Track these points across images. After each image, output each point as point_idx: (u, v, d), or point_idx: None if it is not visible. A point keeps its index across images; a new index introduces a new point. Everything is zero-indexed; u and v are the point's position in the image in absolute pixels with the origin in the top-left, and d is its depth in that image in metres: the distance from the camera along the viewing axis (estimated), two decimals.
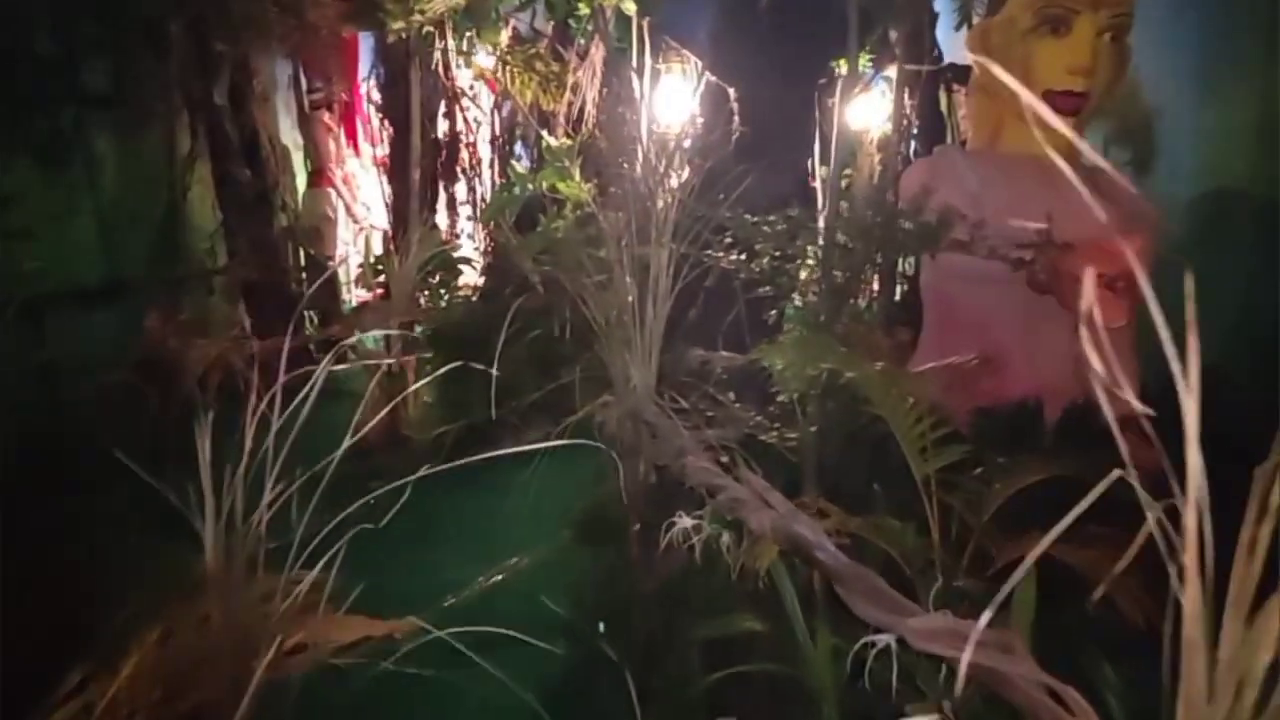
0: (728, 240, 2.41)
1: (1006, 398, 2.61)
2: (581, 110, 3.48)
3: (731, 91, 2.67)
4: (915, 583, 1.66)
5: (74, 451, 3.11)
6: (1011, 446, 2.25)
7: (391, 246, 4.98)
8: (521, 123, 5.53)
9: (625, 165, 2.69)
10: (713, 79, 2.82)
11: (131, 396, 2.75)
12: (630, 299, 2.27)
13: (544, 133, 2.71)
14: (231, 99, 5.73)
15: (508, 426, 4.82)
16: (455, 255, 4.62)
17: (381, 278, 4.57)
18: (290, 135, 7.52)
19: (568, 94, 3.63)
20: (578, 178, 2.73)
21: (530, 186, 2.72)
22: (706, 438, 2.01)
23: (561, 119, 3.62)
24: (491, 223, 3.85)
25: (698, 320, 2.61)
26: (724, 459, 2.03)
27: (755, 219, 2.35)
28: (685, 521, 1.93)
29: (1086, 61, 2.82)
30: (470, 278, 5.98)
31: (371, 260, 4.89)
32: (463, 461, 2.23)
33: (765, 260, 2.35)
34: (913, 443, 1.77)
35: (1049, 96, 2.82)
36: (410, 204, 4.43)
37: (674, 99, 3.27)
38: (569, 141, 2.74)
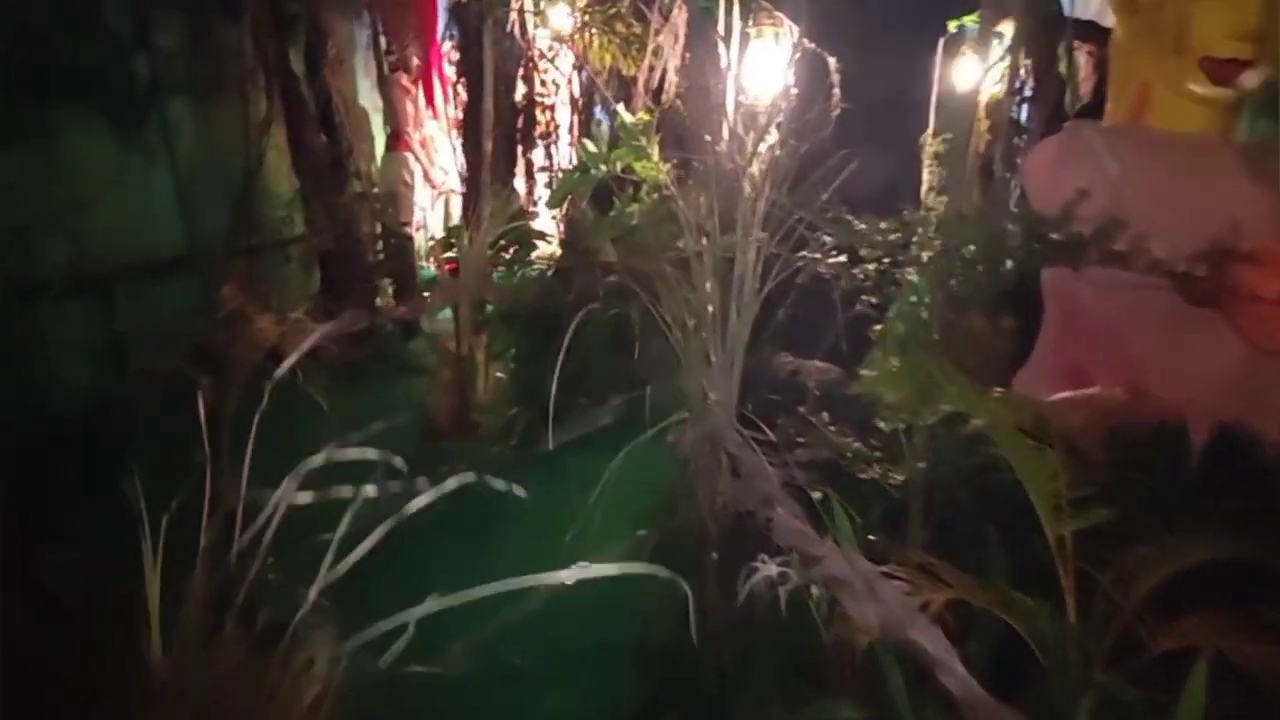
0: (825, 238, 2.11)
1: (1142, 416, 2.26)
2: (663, 79, 3.17)
3: (832, 62, 2.34)
4: (1049, 672, 1.38)
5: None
6: (1153, 478, 1.92)
7: (463, 219, 4.80)
8: (600, 87, 5.25)
9: (709, 143, 2.40)
10: (810, 46, 2.49)
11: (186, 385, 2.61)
12: (711, 306, 2.00)
13: (620, 108, 2.44)
14: (307, 62, 5.61)
15: (581, 410, 4.65)
16: (530, 228, 4.39)
17: (453, 252, 4.39)
18: (369, 98, 7.40)
19: (648, 59, 3.32)
20: (655, 157, 2.46)
21: (604, 167, 2.46)
22: (797, 478, 1.75)
23: (641, 87, 3.32)
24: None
25: (786, 322, 2.32)
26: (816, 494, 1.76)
27: (862, 223, 2.04)
28: (769, 568, 1.68)
29: (1255, 24, 2.39)
30: (545, 248, 5.78)
31: (447, 229, 4.71)
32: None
33: (871, 266, 2.04)
34: (1046, 498, 1.47)
35: (1208, 64, 2.41)
36: (482, 175, 4.21)
37: (765, 68, 2.94)
38: (646, 117, 2.46)
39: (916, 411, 1.50)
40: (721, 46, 2.72)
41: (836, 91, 2.26)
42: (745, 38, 2.72)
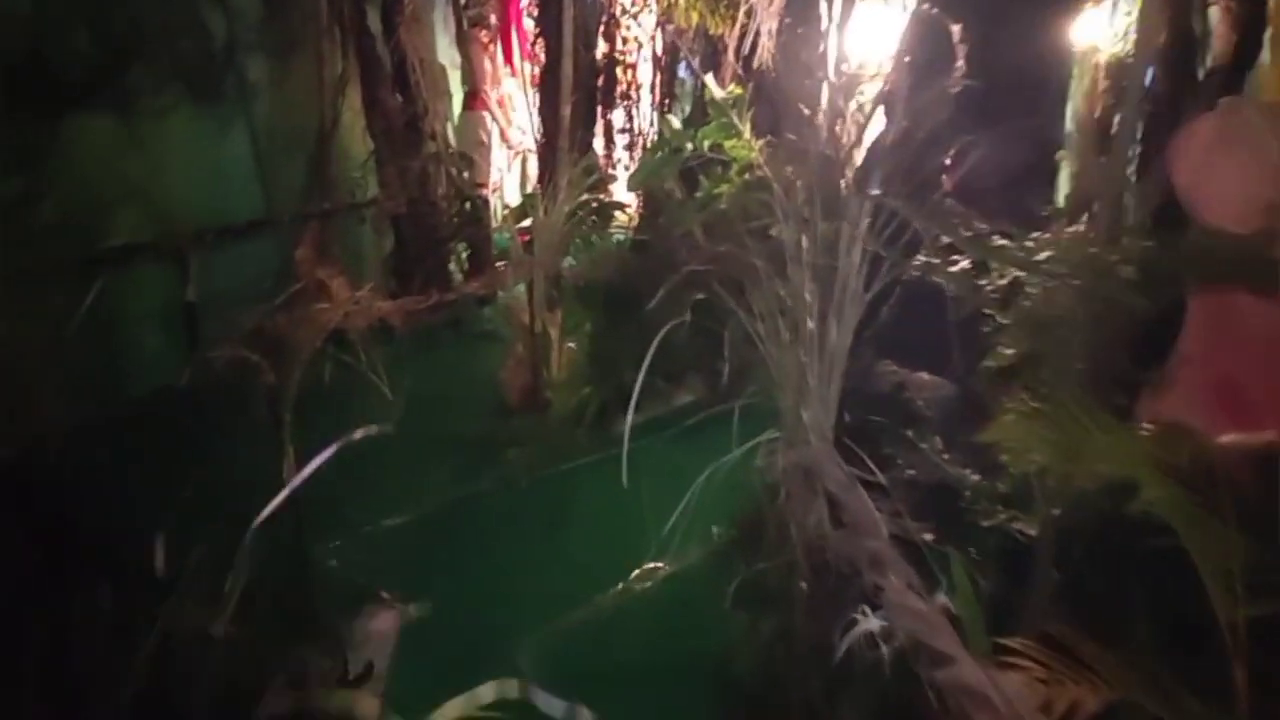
0: (943, 241, 1.84)
1: None
2: (755, 42, 2.89)
3: (956, 28, 2.04)
4: None
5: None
6: None
7: (539, 186, 4.61)
8: (685, 46, 4.96)
9: (807, 119, 2.14)
10: (928, 8, 2.18)
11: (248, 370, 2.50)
12: (807, 307, 1.77)
13: (709, 78, 2.19)
14: (383, 19, 5.45)
15: (659, 392, 4.46)
16: (608, 200, 4.19)
17: (528, 221, 4.21)
18: (447, 54, 7.23)
19: (740, 19, 3.03)
20: (747, 134, 2.21)
21: (690, 146, 2.23)
22: (909, 530, 1.53)
23: (730, 51, 3.04)
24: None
25: (890, 324, 2.05)
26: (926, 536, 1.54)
27: (995, 233, 1.76)
28: (870, 623, 1.47)
29: None
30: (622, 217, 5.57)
31: (523, 196, 4.53)
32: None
33: (1002, 280, 1.78)
34: (1219, 576, 1.22)
35: None
36: (560, 141, 4.00)
37: (873, 34, 2.62)
38: (738, 90, 2.21)
39: (1067, 476, 1.26)
40: (824, 6, 2.44)
41: (961, 64, 1.96)
42: None
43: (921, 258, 1.83)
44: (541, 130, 4.83)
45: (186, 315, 3.90)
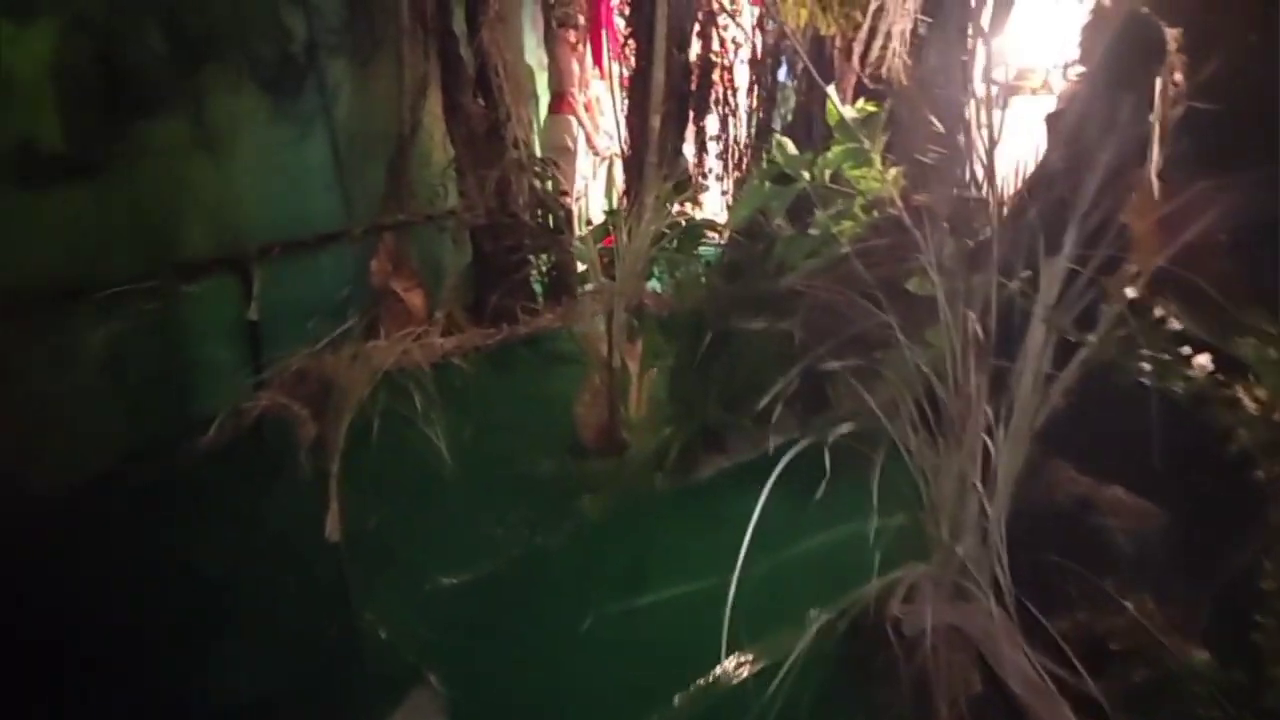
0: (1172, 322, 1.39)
1: None
2: (885, 47, 2.44)
3: (1170, 34, 1.57)
4: None
5: None
6: None
7: (622, 201, 4.25)
8: (789, 48, 4.52)
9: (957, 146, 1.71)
10: (1126, 5, 1.71)
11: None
12: (966, 412, 1.34)
13: (831, 91, 1.77)
14: (468, 19, 5.17)
15: (746, 434, 4.05)
16: (698, 221, 3.79)
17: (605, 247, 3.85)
18: (535, 55, 6.95)
19: (867, 20, 2.58)
20: (879, 164, 1.79)
21: (807, 175, 1.82)
22: None
23: (855, 59, 2.59)
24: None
25: (1067, 419, 1.59)
26: None
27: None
28: None
29: None
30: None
31: (606, 212, 4.17)
32: None
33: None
34: None
35: None
36: (648, 155, 3.63)
37: (1039, 36, 2.14)
38: (872, 107, 1.79)
39: None
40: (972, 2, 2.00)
41: (1178, 78, 1.50)
42: None
43: (1146, 357, 1.38)
44: (628, 140, 4.46)
45: (250, 335, 3.66)
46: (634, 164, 4.26)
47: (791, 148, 1.83)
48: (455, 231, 5.25)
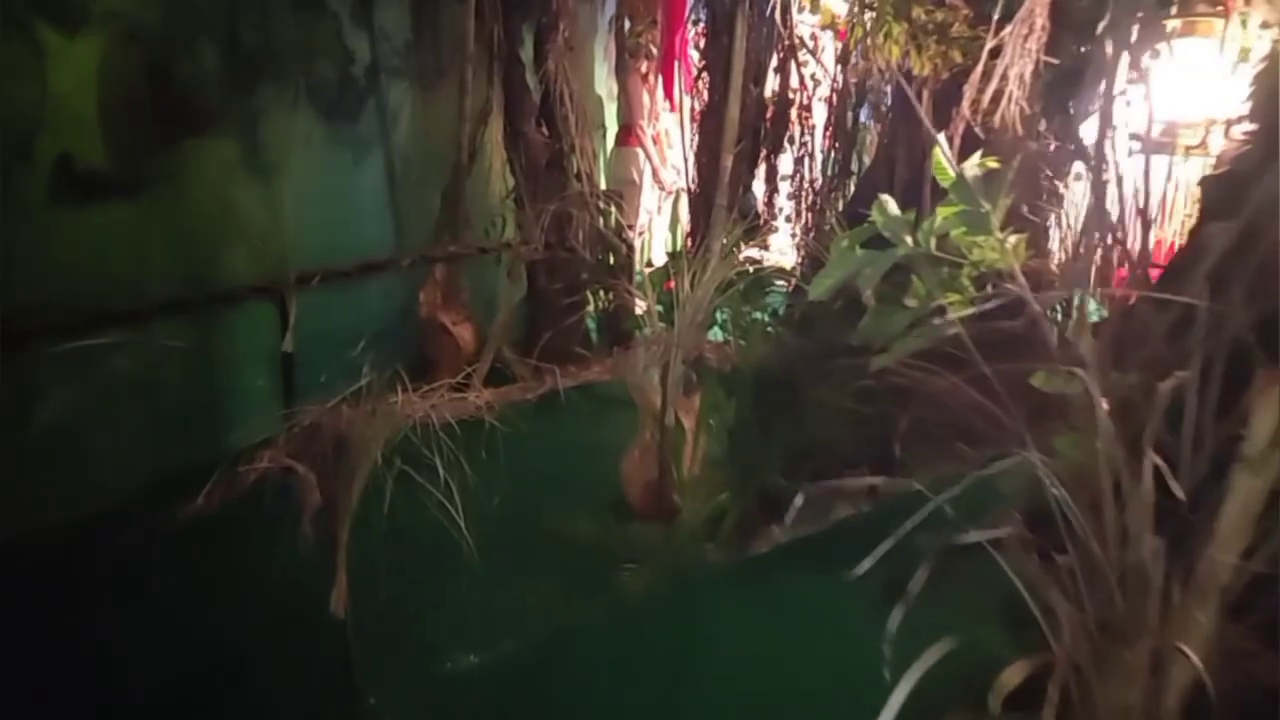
0: None
1: None
2: (1000, 91, 2.11)
3: None
4: None
5: None
6: None
7: (688, 244, 3.97)
8: (874, 88, 4.22)
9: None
10: None
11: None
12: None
13: (941, 139, 1.47)
14: (535, 47, 4.99)
15: (810, 502, 3.69)
16: (766, 271, 3.49)
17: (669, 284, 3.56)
18: (605, 85, 6.76)
19: (982, 60, 2.25)
20: (997, 231, 1.48)
21: (910, 241, 1.51)
22: None
23: (965, 106, 2.27)
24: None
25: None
26: None
27: None
28: None
29: None
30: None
31: (670, 253, 3.89)
32: None
33: None
34: None
35: None
36: (716, 196, 3.35)
37: (1192, 87, 1.79)
38: (993, 163, 1.47)
39: None
40: (1109, 45, 1.68)
41: None
42: (1157, 35, 1.66)
43: None
44: (697, 177, 4.20)
45: (284, 368, 3.46)
46: (702, 204, 3.99)
47: (893, 206, 1.52)
48: (510, 264, 5.03)
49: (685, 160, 4.55)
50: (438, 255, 4.40)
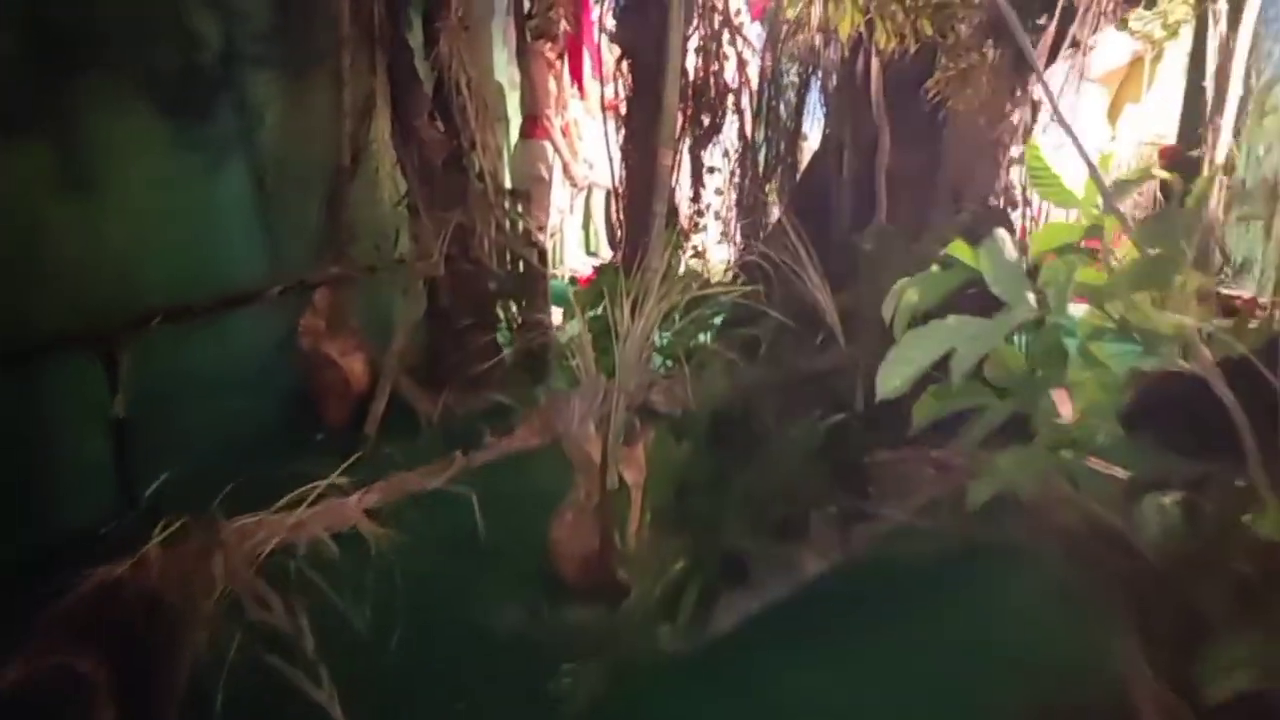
0: None
1: None
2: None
3: None
4: None
5: None
6: None
7: (620, 262, 3.38)
8: (820, 68, 3.70)
9: None
10: None
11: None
12: None
13: (1038, 140, 0.94)
14: (425, 30, 4.30)
15: (778, 560, 3.16)
16: (713, 286, 2.94)
17: (599, 309, 2.96)
18: (505, 72, 6.08)
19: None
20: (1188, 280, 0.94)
21: (1033, 301, 0.96)
22: None
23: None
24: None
25: None
26: None
27: None
28: None
29: None
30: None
31: (602, 271, 3.28)
32: None
33: None
34: None
35: None
36: (654, 203, 2.77)
37: None
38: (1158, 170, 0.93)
39: None
40: None
41: None
42: None
43: None
44: (624, 178, 3.61)
45: (116, 438, 2.71)
46: (633, 210, 3.40)
47: (1010, 248, 0.95)
48: (406, 282, 4.33)
49: (609, 157, 3.95)
50: (317, 279, 3.68)
